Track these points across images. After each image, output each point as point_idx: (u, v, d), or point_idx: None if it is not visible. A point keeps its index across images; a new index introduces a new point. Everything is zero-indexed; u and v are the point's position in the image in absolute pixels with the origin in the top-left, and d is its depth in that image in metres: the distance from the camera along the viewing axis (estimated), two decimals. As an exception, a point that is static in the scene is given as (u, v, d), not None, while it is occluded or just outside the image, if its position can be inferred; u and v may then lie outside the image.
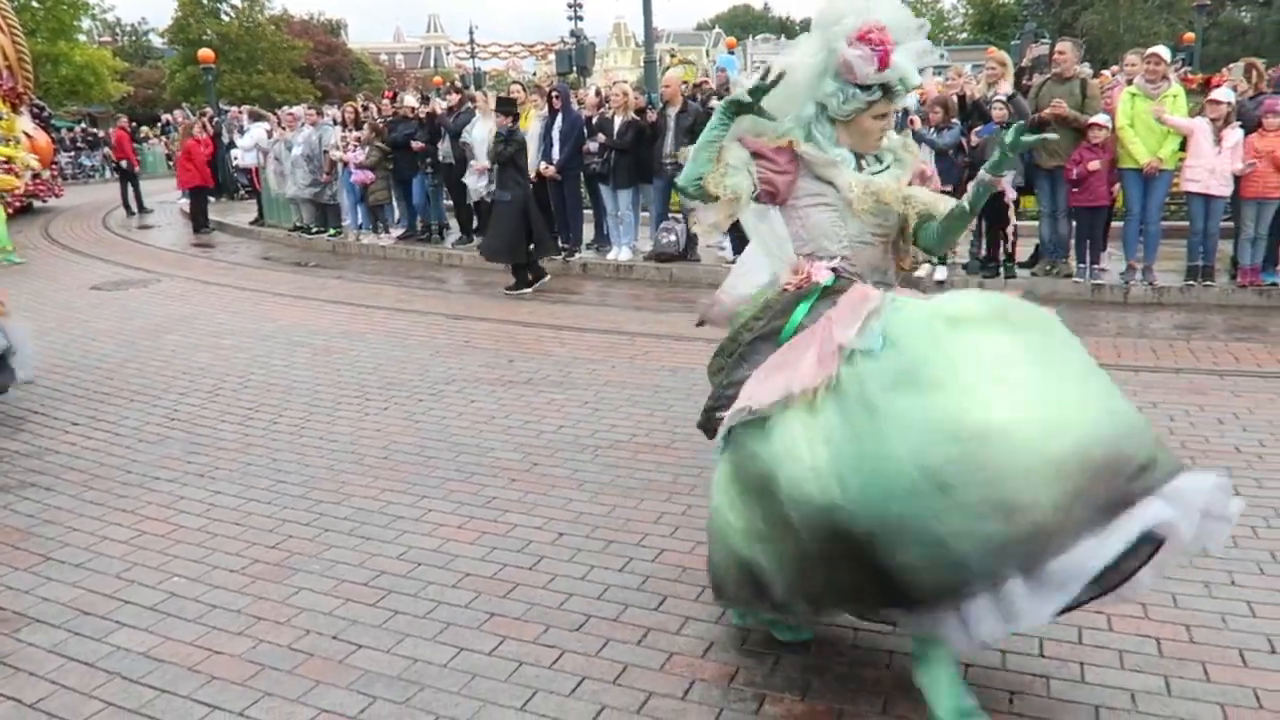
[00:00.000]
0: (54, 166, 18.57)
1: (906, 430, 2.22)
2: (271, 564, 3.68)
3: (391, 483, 4.44)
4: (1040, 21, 34.29)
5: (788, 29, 78.00)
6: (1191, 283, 7.96)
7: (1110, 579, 2.20)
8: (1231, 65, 9.38)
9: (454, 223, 12.05)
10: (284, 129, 13.32)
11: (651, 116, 9.70)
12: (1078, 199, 7.94)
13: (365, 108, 13.03)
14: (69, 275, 10.81)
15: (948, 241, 2.89)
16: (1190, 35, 25.32)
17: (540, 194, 9.89)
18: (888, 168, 2.85)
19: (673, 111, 9.56)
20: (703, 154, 2.76)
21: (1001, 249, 8.40)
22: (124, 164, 17.92)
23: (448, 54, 72.05)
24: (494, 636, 3.13)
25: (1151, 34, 36.02)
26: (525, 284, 9.09)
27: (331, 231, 12.88)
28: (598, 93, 12.32)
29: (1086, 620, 2.99)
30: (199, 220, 14.96)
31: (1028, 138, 2.64)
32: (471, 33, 49.07)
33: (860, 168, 2.82)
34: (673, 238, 9.89)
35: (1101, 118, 7.75)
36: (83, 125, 32.92)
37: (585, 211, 10.83)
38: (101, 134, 29.54)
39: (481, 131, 10.51)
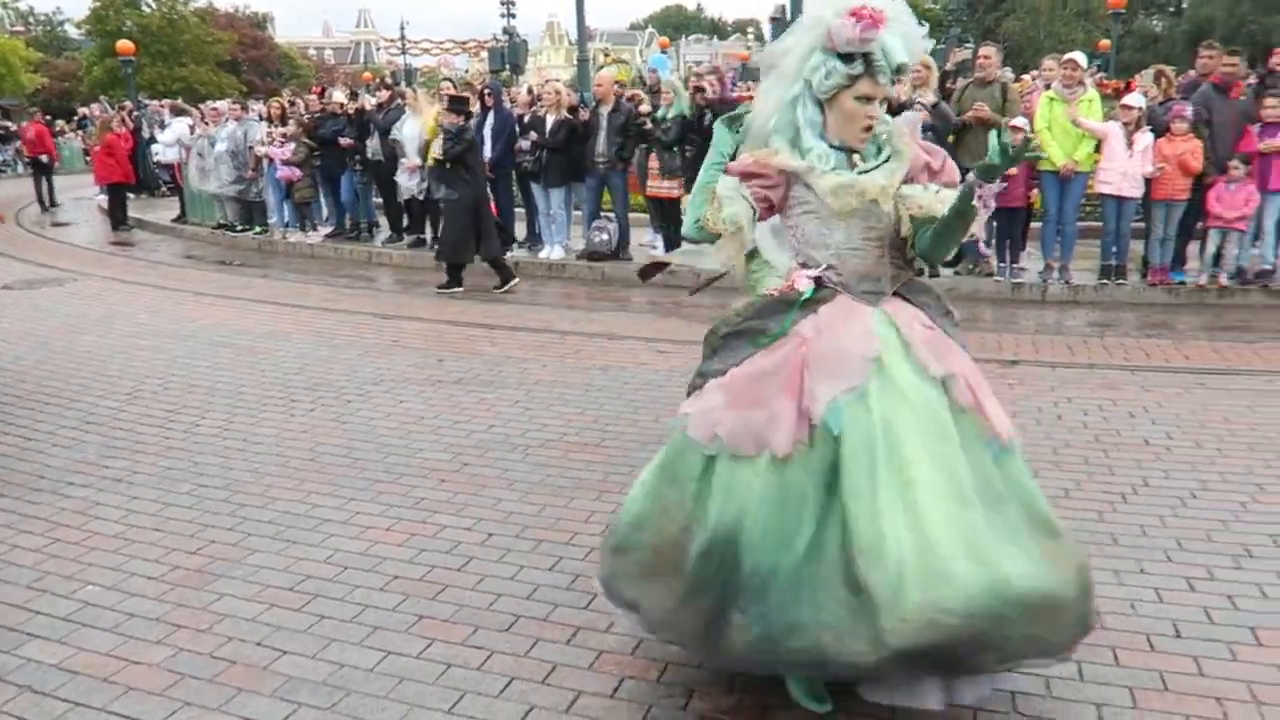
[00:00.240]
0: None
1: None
2: (192, 570, 3.59)
3: (318, 485, 4.37)
4: (964, 27, 35.11)
5: (720, 30, 78.57)
6: (1105, 281, 8.25)
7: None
8: (1143, 72, 9.73)
9: (384, 221, 11.89)
10: (207, 124, 13.00)
11: (584, 115, 9.70)
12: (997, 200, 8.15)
13: (292, 103, 12.77)
14: (-22, 274, 10.40)
15: (938, 248, 2.64)
16: (1106, 42, 26.12)
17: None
18: (882, 164, 2.63)
19: (605, 110, 9.58)
20: (698, 197, 2.70)
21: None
22: (43, 158, 17.28)
23: (378, 49, 71.03)
24: (422, 639, 3.11)
25: (1069, 40, 37.24)
26: (457, 283, 9.02)
27: (257, 229, 12.60)
28: (530, 91, 12.28)
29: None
30: (117, 217, 14.50)
31: (1030, 153, 2.54)
32: (402, 28, 48.45)
33: (852, 164, 2.62)
34: (605, 236, 9.90)
35: (1020, 120, 7.97)
36: (-7, 118, 31.64)
37: (517, 210, 10.78)
38: (14, 127, 28.40)
39: (412, 129, 10.40)
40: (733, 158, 2.79)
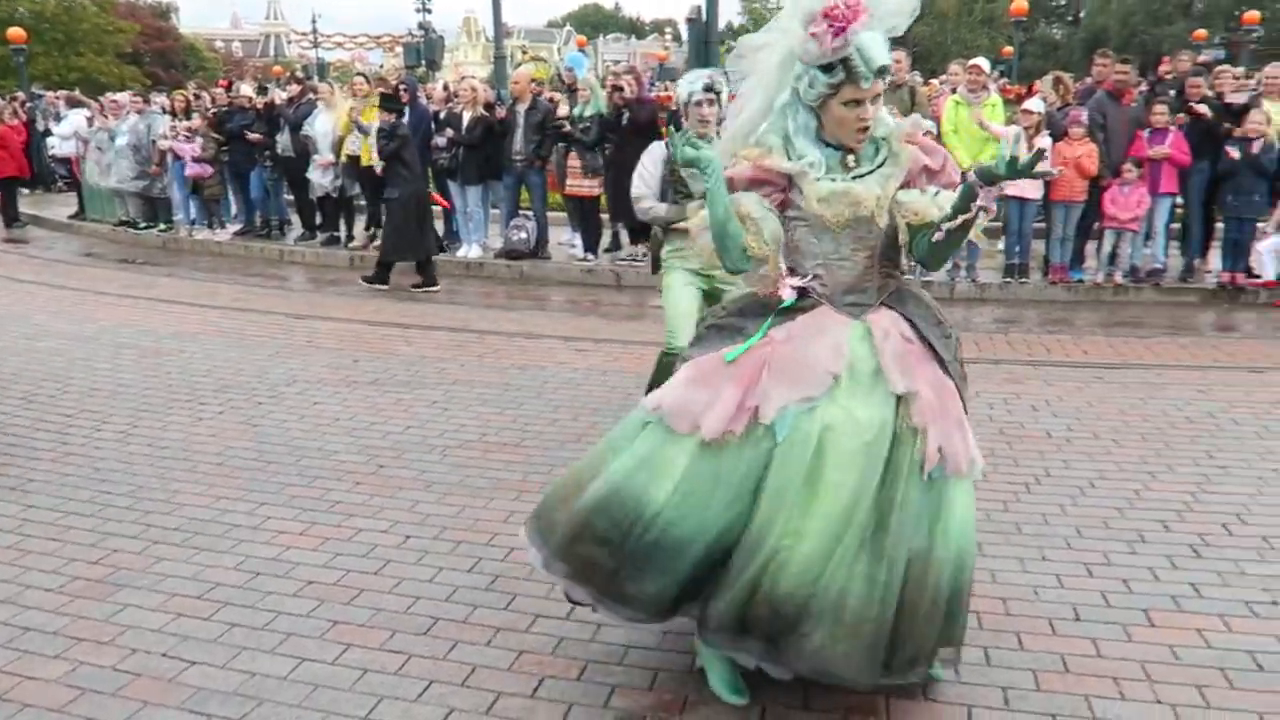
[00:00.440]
0: None
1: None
2: (93, 580, 3.45)
3: (227, 490, 4.25)
4: (876, 31, 35.90)
5: (638, 29, 78.77)
6: (1009, 280, 8.55)
7: None
8: (1043, 78, 10.10)
9: (296, 218, 11.62)
10: (107, 117, 12.49)
11: (500, 113, 9.63)
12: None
13: (197, 96, 12.36)
14: None
15: (937, 255, 2.53)
16: (1009, 49, 27.01)
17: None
18: (878, 168, 2.55)
19: (522, 108, 9.54)
20: (727, 229, 2.55)
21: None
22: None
23: (289, 43, 69.26)
24: (337, 645, 3.05)
25: (975, 46, 38.44)
26: (432, 281, 8.85)
27: (162, 226, 12.17)
28: (446, 87, 12.14)
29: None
30: (9, 214, 13.81)
31: (1040, 166, 2.35)
32: (314, 22, 47.42)
33: (847, 166, 2.55)
34: (523, 235, 9.85)
35: (928, 123, 8.18)
36: None
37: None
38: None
39: (325, 124, 10.19)
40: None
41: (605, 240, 10.03)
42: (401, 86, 10.27)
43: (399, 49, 39.13)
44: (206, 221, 11.91)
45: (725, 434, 2.49)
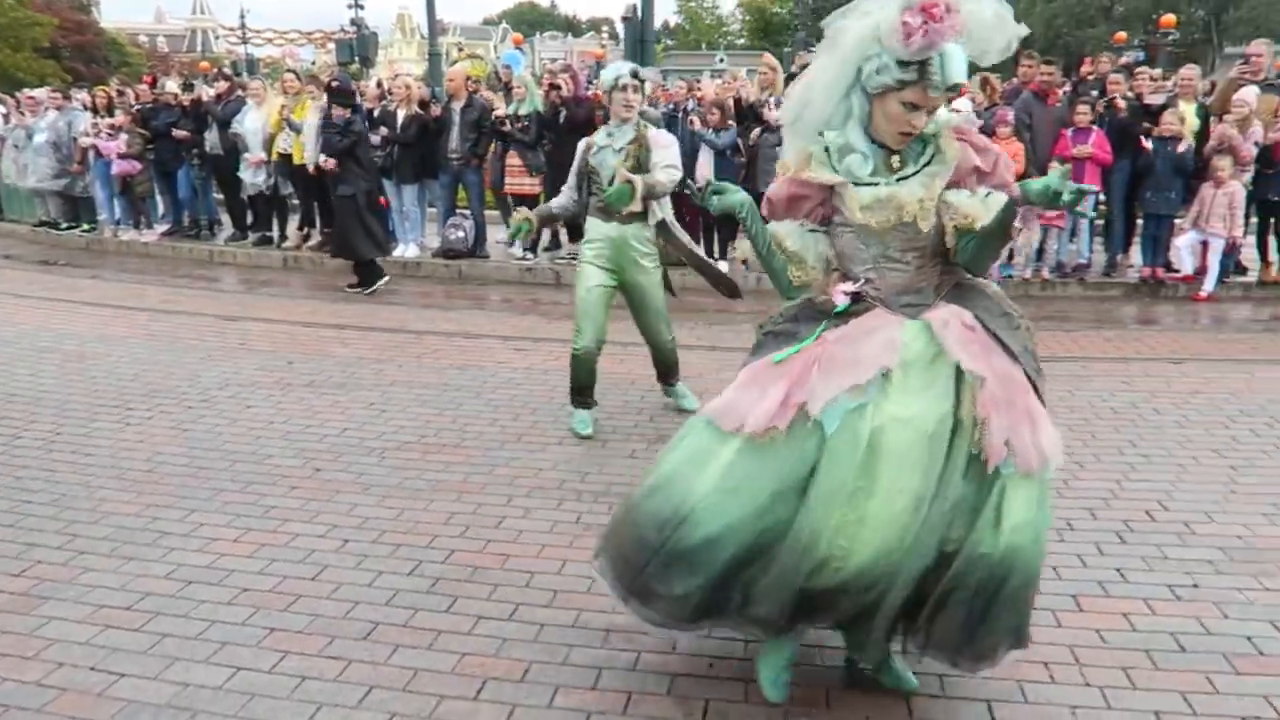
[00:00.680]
0: None
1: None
2: (16, 594, 3.33)
3: (156, 497, 4.14)
4: (810, 31, 36.29)
5: (574, 27, 78.59)
6: (942, 276, 8.71)
7: None
8: (971, 79, 10.32)
9: (226, 218, 11.35)
10: (24, 113, 12.05)
11: (436, 111, 9.53)
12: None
13: (120, 93, 11.99)
14: None
15: (979, 260, 2.50)
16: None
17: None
18: (923, 168, 2.48)
19: (457, 106, 9.45)
20: (773, 264, 2.64)
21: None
22: None
23: (216, 38, 67.59)
24: (274, 653, 2.99)
25: (907, 47, 38.93)
26: (377, 277, 8.70)
27: (85, 227, 11.80)
28: (380, 85, 11.96)
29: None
30: (-80, 214, 13.28)
31: (1075, 208, 2.36)
32: (243, 16, 46.26)
33: (891, 167, 2.49)
34: (461, 234, 9.76)
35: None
36: None
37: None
38: None
39: (254, 122, 9.98)
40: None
41: (545, 239, 10.00)
42: (334, 84, 10.08)
43: (331, 45, 38.44)
44: (132, 221, 11.56)
45: (769, 429, 2.42)
